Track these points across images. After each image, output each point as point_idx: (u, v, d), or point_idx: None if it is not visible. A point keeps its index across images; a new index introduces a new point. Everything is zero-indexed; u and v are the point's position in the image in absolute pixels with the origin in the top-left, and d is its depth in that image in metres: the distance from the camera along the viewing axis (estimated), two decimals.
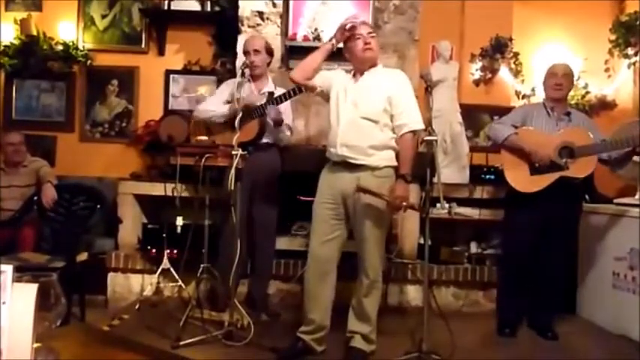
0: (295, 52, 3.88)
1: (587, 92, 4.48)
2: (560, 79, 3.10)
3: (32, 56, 4.39)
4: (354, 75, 2.61)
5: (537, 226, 3.05)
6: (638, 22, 4.14)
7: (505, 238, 3.43)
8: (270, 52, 3.24)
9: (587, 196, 3.67)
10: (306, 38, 3.85)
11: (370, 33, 2.56)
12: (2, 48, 4.39)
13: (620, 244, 3.19)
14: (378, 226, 2.50)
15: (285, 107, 3.22)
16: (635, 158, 3.10)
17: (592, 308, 3.44)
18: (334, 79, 2.64)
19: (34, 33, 4.41)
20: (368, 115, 2.48)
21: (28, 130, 4.03)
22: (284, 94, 3.06)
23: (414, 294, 3.61)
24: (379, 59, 2.65)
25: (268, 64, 3.29)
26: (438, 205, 3.01)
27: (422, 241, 3.37)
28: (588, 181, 3.59)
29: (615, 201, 3.47)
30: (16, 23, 4.43)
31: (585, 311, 3.50)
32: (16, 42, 4.40)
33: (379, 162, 2.49)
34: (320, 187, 2.62)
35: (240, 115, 2.70)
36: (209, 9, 4.31)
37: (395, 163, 2.54)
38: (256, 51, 3.16)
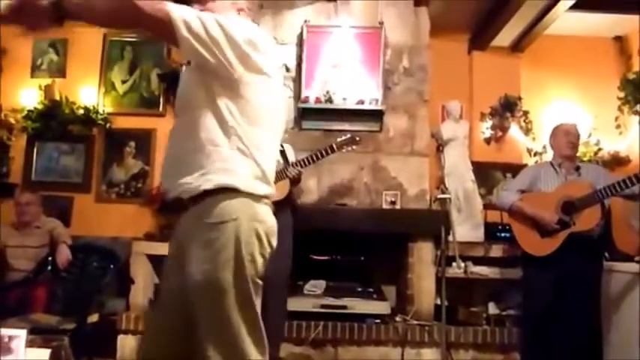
0: (308, 113, 3.98)
1: (600, 149, 4.49)
2: (572, 137, 3.17)
3: (54, 119, 4.54)
4: None
5: (557, 284, 2.97)
6: None
7: (524, 298, 3.33)
8: None
9: (606, 254, 3.59)
10: (318, 100, 3.95)
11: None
12: (26, 112, 4.56)
13: None
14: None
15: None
16: None
17: None
18: None
19: (57, 98, 4.58)
20: (181, 99, 1.59)
21: (46, 190, 4.11)
22: (312, 156, 3.14)
23: (431, 357, 3.47)
24: None
25: None
26: (454, 264, 2.97)
27: (438, 302, 3.29)
28: (607, 237, 3.53)
29: (636, 259, 3.38)
30: (40, 89, 4.62)
31: None
32: (40, 106, 4.57)
33: (205, 183, 1.47)
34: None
35: None
36: None
37: (237, 184, 1.48)
38: None
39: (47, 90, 4.61)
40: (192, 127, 1.49)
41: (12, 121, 4.60)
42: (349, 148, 3.16)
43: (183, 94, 1.58)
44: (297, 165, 3.12)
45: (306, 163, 3.13)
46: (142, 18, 1.36)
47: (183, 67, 1.65)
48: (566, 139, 3.16)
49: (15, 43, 4.70)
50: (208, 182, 1.45)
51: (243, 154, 1.49)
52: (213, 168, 1.46)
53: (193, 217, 1.48)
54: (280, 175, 3.09)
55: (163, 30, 1.38)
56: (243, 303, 1.42)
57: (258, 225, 1.48)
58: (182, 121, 1.56)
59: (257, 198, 1.50)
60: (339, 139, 3.17)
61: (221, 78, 1.47)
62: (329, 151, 3.11)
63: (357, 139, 3.14)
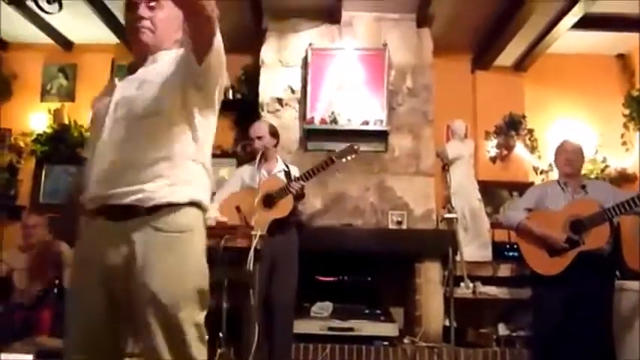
0: (313, 135, 4.00)
1: (607, 166, 4.47)
2: (570, 154, 3.14)
3: (63, 143, 4.60)
4: (129, 70, 1.63)
5: (567, 304, 2.93)
6: None
7: (534, 318, 3.28)
8: (273, 134, 3.26)
9: (617, 272, 3.54)
10: (323, 121, 3.98)
11: (150, 2, 1.53)
12: (35, 136, 4.62)
13: None
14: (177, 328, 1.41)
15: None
16: None
17: None
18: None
19: (66, 121, 4.65)
20: (150, 105, 1.47)
21: (53, 213, 4.12)
22: (313, 170, 3.13)
23: None
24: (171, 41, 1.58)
25: (275, 146, 3.31)
26: (462, 284, 2.95)
27: (447, 323, 3.25)
28: (617, 255, 3.49)
29: None
30: (49, 113, 4.69)
31: None
32: (49, 130, 4.63)
33: (173, 194, 1.44)
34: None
35: (261, 197, 2.77)
36: (231, 97, 4.51)
37: (199, 198, 1.49)
38: (259, 137, 3.19)
39: (56, 114, 4.68)
40: (155, 135, 1.46)
41: (21, 144, 4.67)
42: (349, 158, 3.15)
43: (147, 99, 1.47)
44: (298, 180, 3.11)
45: (308, 176, 3.12)
46: (205, 7, 1.31)
47: (145, 71, 1.56)
48: (564, 156, 3.16)
49: (25, 68, 4.80)
50: (176, 194, 1.44)
51: (204, 167, 1.53)
52: (178, 179, 1.45)
53: (146, 226, 1.41)
54: (283, 192, 3.08)
55: (207, 31, 1.36)
56: (199, 313, 1.44)
57: (205, 238, 1.53)
58: (139, 125, 1.46)
59: (205, 211, 1.53)
60: (337, 150, 3.17)
61: (205, 91, 1.49)
62: (329, 163, 3.10)
63: (356, 147, 3.13)
